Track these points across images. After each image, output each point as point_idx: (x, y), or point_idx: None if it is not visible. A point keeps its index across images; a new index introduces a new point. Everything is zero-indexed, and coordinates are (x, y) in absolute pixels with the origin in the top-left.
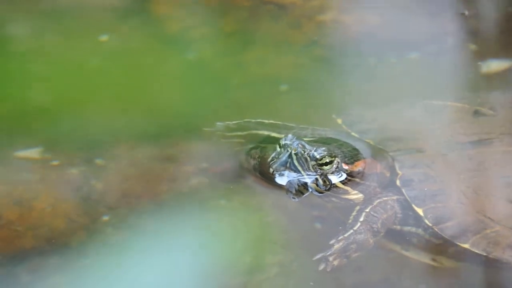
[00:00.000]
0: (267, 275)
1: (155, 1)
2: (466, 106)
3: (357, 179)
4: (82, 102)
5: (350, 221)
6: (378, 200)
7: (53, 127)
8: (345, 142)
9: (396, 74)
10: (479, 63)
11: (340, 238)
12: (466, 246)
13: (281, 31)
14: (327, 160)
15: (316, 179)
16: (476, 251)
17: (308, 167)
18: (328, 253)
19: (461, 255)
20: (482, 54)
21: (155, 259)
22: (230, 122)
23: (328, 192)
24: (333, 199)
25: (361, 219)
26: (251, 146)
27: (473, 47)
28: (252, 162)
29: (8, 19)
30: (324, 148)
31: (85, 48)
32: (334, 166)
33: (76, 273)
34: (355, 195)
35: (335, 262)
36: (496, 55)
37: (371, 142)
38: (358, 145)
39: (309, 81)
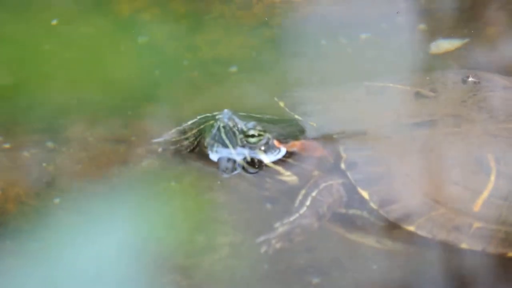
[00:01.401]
0: (219, 255)
1: None
2: (407, 88)
3: (290, 160)
4: (34, 85)
5: (296, 204)
6: (324, 184)
7: (5, 110)
8: (292, 123)
9: (346, 55)
10: (430, 43)
11: (285, 222)
12: (411, 228)
13: (231, 13)
14: (254, 133)
15: (245, 157)
16: (422, 234)
17: (236, 142)
18: (272, 236)
19: (406, 238)
20: (432, 34)
21: (106, 241)
22: (186, 124)
23: (261, 172)
24: (267, 179)
25: (307, 203)
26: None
27: (423, 26)
28: (191, 140)
29: None
30: (254, 123)
31: (37, 33)
32: (263, 141)
33: (29, 256)
34: (288, 176)
35: (278, 245)
36: (446, 34)
37: (315, 125)
38: (305, 128)
39: (259, 62)
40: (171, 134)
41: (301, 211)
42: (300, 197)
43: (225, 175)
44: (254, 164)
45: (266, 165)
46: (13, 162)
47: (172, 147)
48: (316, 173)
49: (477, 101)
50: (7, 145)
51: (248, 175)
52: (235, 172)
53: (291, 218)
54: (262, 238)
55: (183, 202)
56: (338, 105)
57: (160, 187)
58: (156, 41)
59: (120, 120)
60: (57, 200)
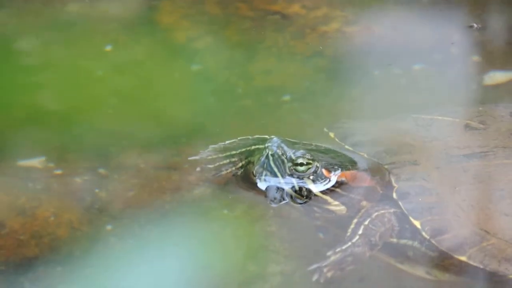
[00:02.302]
0: (270, 284)
1: (160, 12)
2: (456, 120)
3: (339, 190)
4: (87, 111)
5: (348, 233)
6: (376, 213)
7: (57, 136)
8: (341, 154)
9: (400, 85)
10: (484, 75)
11: (337, 250)
12: (463, 258)
13: (284, 42)
14: (303, 161)
15: (294, 186)
16: (473, 264)
17: (285, 169)
18: (324, 264)
19: (456, 268)
20: (486, 66)
21: (159, 269)
22: (224, 143)
23: (310, 201)
24: (315, 208)
25: (360, 232)
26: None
27: (477, 58)
28: (239, 168)
29: (17, 33)
30: (303, 151)
31: (91, 58)
32: (312, 169)
33: (80, 282)
34: (336, 206)
35: (329, 274)
36: (499, 66)
37: (365, 155)
38: (355, 159)
39: (312, 92)
40: (207, 152)
41: (354, 240)
42: (352, 225)
43: (273, 204)
44: (302, 193)
45: (314, 195)
46: (65, 188)
47: (210, 166)
48: (364, 203)
49: None
50: (58, 171)
51: (296, 204)
52: (284, 202)
53: (344, 247)
54: (313, 266)
55: (235, 230)
56: (388, 136)
57: (212, 215)
58: (210, 69)
59: (172, 148)
60: (109, 227)
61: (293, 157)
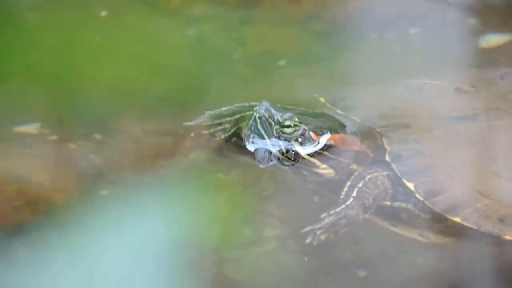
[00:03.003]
0: (265, 248)
1: None
2: (446, 84)
3: (327, 153)
4: (82, 77)
5: (342, 196)
6: (369, 176)
7: (53, 102)
8: (333, 118)
9: (395, 50)
10: (480, 38)
11: (331, 212)
12: (457, 219)
13: (281, 6)
14: (290, 124)
15: (281, 148)
16: (467, 225)
17: (272, 132)
18: (317, 227)
19: (450, 230)
20: (482, 29)
21: (154, 234)
22: (220, 109)
23: (299, 164)
24: (303, 171)
25: (354, 194)
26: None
27: (473, 21)
28: (227, 128)
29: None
30: (291, 114)
31: (86, 24)
32: (299, 132)
33: (75, 247)
34: (324, 169)
35: (322, 236)
36: (495, 29)
37: (357, 119)
38: (346, 123)
39: (308, 56)
40: (203, 118)
41: (348, 202)
42: (346, 188)
43: (261, 166)
44: (290, 155)
45: (302, 157)
46: (60, 154)
47: (205, 132)
48: (354, 167)
49: None
50: (54, 137)
51: (284, 166)
52: (271, 163)
53: (338, 209)
54: (307, 229)
55: (230, 194)
56: (379, 101)
57: (207, 179)
58: (205, 34)
59: (167, 113)
60: (104, 192)
61: (280, 120)
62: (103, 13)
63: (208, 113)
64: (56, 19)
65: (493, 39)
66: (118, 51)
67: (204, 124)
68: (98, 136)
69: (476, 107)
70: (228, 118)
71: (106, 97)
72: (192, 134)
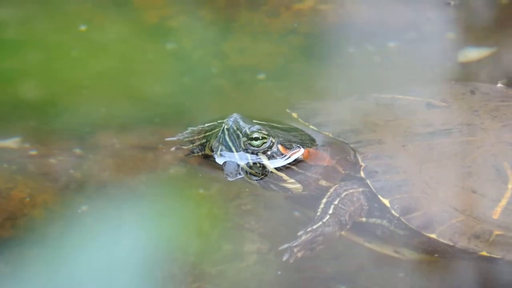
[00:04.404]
0: (246, 263)
1: None
2: (417, 99)
3: (295, 168)
4: (62, 91)
5: (318, 213)
6: (345, 193)
7: (32, 117)
8: (305, 133)
9: (374, 63)
10: (458, 52)
11: (308, 229)
12: (433, 236)
13: (259, 20)
14: (258, 136)
15: (249, 161)
16: (443, 241)
17: (240, 144)
18: (294, 244)
19: (424, 246)
20: (460, 43)
21: (133, 249)
22: (203, 125)
23: (266, 178)
24: (272, 186)
25: (330, 211)
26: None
27: (451, 35)
28: (202, 142)
29: None
30: (259, 127)
31: (65, 39)
32: (267, 144)
33: (55, 263)
34: (291, 184)
35: (299, 254)
36: (474, 43)
37: (330, 135)
38: (317, 138)
39: (287, 70)
40: (184, 134)
41: (324, 219)
42: (322, 205)
43: (229, 179)
44: (257, 169)
45: (270, 171)
46: (40, 169)
47: (185, 147)
48: (323, 182)
49: (490, 111)
50: (34, 152)
51: (251, 180)
52: (239, 177)
53: (314, 226)
54: (284, 246)
55: (211, 209)
56: (351, 116)
57: (188, 194)
58: (184, 48)
59: (147, 128)
60: (84, 207)
61: (248, 132)
62: (83, 28)
63: (191, 129)
64: (36, 33)
65: (472, 53)
66: (97, 66)
67: (186, 139)
68: (78, 151)
69: (448, 122)
70: (208, 133)
71: (85, 112)
72: (173, 149)
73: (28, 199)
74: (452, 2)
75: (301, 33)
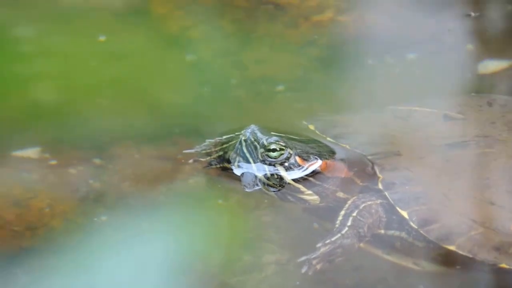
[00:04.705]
0: (265, 274)
1: (154, 1)
2: (434, 111)
3: (312, 179)
4: (82, 102)
5: (337, 225)
6: (363, 205)
7: (52, 127)
8: (323, 144)
9: (393, 75)
10: (478, 63)
11: (327, 242)
12: (452, 248)
13: (278, 31)
14: (275, 147)
15: (266, 173)
16: (462, 253)
17: (257, 155)
18: (313, 256)
19: (443, 258)
20: (480, 54)
21: (152, 259)
22: (220, 138)
23: (284, 190)
24: (289, 197)
25: (349, 223)
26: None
27: (471, 47)
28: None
29: (13, 21)
30: (277, 138)
31: (85, 49)
32: (284, 156)
33: (74, 273)
34: (309, 195)
35: (318, 266)
36: (494, 55)
37: (348, 147)
38: (335, 150)
39: (306, 82)
40: (202, 146)
41: (343, 231)
42: (340, 217)
43: (247, 190)
44: (274, 180)
45: (287, 183)
46: (60, 179)
47: (202, 159)
48: (340, 194)
49: (507, 122)
50: (53, 162)
51: (269, 192)
52: (256, 188)
53: (333, 238)
54: (303, 258)
55: (230, 220)
56: (368, 128)
57: (207, 204)
58: (204, 59)
59: (167, 138)
60: (103, 218)
61: (265, 143)
62: (102, 38)
63: (209, 141)
64: (55, 44)
65: (491, 65)
66: (116, 77)
67: (203, 152)
68: (97, 161)
69: (465, 134)
70: (225, 145)
71: (106, 122)
72: (191, 161)
73: (47, 209)
74: (473, 14)
75: (320, 44)
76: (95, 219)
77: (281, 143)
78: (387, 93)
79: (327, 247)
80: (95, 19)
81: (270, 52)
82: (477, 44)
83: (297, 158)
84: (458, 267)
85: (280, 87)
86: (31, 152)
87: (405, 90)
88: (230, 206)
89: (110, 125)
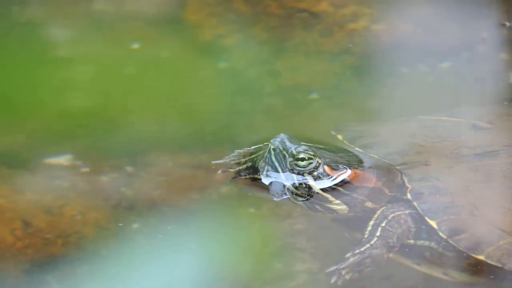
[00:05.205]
0: (296, 282)
1: (188, 9)
2: (462, 120)
3: (341, 189)
4: (114, 109)
5: (365, 235)
6: (392, 215)
7: (84, 134)
8: (352, 154)
9: (427, 84)
10: (511, 72)
11: (356, 252)
12: (481, 257)
13: (312, 39)
14: (304, 156)
15: (294, 182)
16: (491, 263)
17: (286, 164)
18: (342, 266)
19: (473, 268)
20: None
21: (184, 267)
22: (249, 148)
23: (312, 199)
24: (317, 206)
25: (378, 233)
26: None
27: (504, 55)
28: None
29: (47, 25)
30: (306, 147)
31: (118, 56)
32: (313, 165)
33: (106, 281)
34: (337, 205)
35: (347, 276)
36: None
37: (376, 156)
38: (364, 159)
39: (340, 90)
40: (231, 156)
41: (372, 242)
42: (369, 227)
43: (275, 199)
44: (303, 189)
45: (315, 192)
46: (92, 186)
47: (231, 170)
48: (369, 204)
49: None
50: (85, 169)
51: (298, 201)
52: (285, 197)
53: (362, 248)
54: (332, 268)
55: (262, 228)
56: (396, 138)
57: (239, 213)
58: (237, 67)
59: (199, 146)
60: (135, 225)
61: (294, 152)
62: (135, 46)
63: (238, 151)
64: (88, 51)
65: None
66: (150, 84)
67: (232, 162)
68: (129, 169)
69: (494, 144)
70: (253, 156)
71: (138, 130)
72: (220, 172)
73: (79, 217)
74: (508, 24)
75: (354, 52)
76: (129, 228)
77: (310, 152)
78: (420, 102)
79: (356, 257)
80: (128, 26)
81: (304, 60)
82: (510, 53)
83: (326, 168)
84: (487, 277)
85: (314, 95)
86: (63, 160)
87: (437, 99)
88: (262, 214)
89: (143, 132)
